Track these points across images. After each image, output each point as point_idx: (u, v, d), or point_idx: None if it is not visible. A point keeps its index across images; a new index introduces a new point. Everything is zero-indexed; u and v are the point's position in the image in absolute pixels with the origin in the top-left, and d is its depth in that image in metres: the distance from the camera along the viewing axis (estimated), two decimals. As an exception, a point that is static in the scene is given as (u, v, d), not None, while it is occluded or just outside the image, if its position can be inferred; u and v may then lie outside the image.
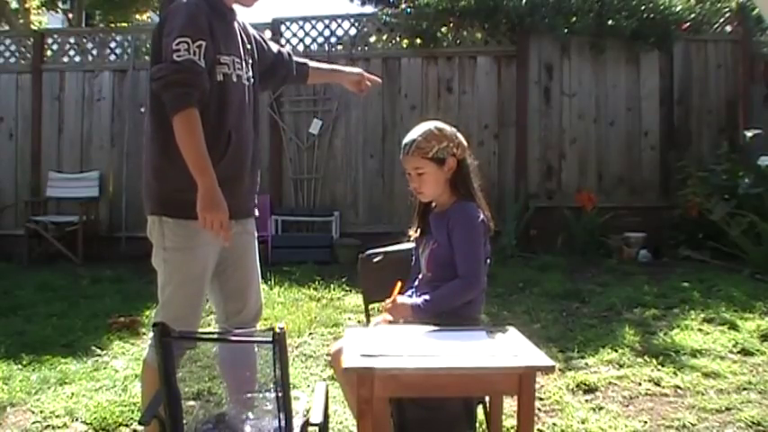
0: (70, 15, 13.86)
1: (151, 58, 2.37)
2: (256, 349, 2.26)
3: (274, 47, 2.74)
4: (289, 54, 2.78)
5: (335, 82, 3.15)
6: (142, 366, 2.49)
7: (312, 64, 2.90)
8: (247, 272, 2.54)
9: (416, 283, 2.52)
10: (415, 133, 2.46)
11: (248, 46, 2.52)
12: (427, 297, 2.37)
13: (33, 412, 3.28)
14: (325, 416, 2.06)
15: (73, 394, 3.48)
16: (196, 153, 2.18)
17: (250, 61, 2.50)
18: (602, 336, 4.32)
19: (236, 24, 2.47)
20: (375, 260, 2.72)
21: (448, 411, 2.30)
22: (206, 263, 2.37)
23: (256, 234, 2.61)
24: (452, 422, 2.31)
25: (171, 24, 2.25)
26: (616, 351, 3.98)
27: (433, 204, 2.55)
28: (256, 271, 2.58)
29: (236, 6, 2.48)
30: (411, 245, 2.66)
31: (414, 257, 2.63)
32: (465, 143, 2.50)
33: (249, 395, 2.18)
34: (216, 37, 2.30)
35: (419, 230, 2.58)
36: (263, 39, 2.68)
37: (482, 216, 2.43)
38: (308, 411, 2.07)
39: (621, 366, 3.76)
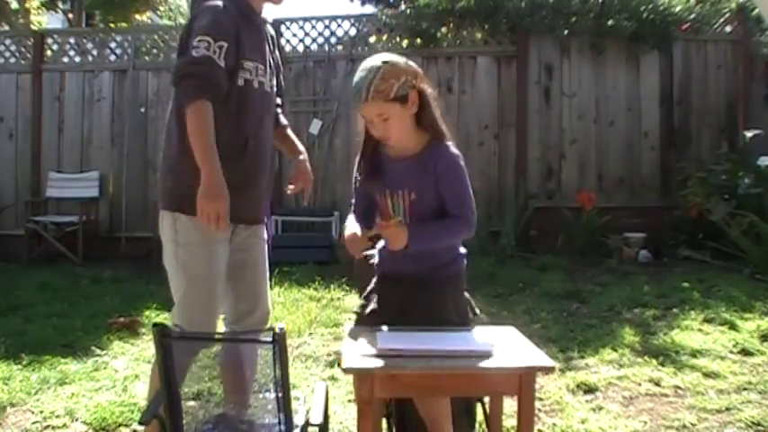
0: (70, 15, 13.85)
1: (177, 58, 2.39)
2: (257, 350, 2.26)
3: (281, 77, 2.66)
4: (282, 95, 2.67)
5: (283, 149, 2.83)
6: (152, 367, 2.47)
7: (284, 122, 2.70)
8: (258, 275, 2.54)
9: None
10: (366, 74, 2.16)
11: (275, 54, 2.52)
12: (425, 230, 2.18)
13: (33, 412, 3.28)
14: (325, 416, 2.06)
15: (73, 394, 3.48)
16: (203, 144, 2.18)
17: (274, 70, 2.51)
18: (602, 336, 4.32)
19: (263, 31, 2.48)
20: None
21: (448, 411, 2.29)
22: (219, 260, 2.36)
23: (266, 238, 2.61)
24: (452, 422, 2.31)
25: (197, 25, 2.28)
26: (616, 351, 3.98)
27: (390, 144, 2.22)
28: (266, 276, 2.59)
29: (266, 5, 2.47)
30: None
31: (364, 205, 2.36)
32: (419, 70, 2.27)
33: (249, 395, 2.18)
34: (241, 42, 2.31)
35: (368, 176, 2.31)
36: (281, 62, 2.65)
37: (457, 151, 2.26)
38: (308, 411, 2.07)
39: (621, 366, 3.76)
